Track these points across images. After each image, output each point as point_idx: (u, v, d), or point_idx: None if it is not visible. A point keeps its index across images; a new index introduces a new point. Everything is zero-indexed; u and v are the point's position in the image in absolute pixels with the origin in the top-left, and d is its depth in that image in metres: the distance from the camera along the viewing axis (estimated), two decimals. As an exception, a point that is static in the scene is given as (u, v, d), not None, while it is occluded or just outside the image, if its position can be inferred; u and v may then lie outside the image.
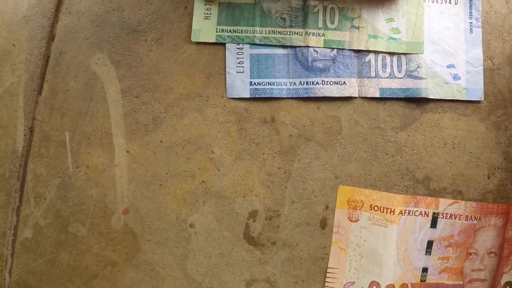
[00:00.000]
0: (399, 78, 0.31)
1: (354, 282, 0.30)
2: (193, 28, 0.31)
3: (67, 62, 0.33)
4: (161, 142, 0.32)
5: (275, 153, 0.31)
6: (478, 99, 0.31)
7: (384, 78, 0.31)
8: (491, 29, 0.32)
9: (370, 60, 0.31)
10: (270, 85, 0.31)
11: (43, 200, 0.33)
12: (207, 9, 0.31)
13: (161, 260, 0.32)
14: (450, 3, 0.32)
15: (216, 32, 0.31)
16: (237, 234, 0.31)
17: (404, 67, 0.31)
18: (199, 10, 0.31)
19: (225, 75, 0.31)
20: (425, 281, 0.31)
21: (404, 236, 0.30)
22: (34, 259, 0.33)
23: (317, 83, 0.31)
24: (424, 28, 0.30)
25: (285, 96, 0.31)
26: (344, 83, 0.31)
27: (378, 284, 0.30)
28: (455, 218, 0.31)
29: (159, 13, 0.32)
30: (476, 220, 0.31)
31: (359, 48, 0.31)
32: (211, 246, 0.32)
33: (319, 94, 0.31)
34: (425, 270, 0.31)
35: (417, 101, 0.31)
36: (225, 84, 0.31)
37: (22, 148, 0.33)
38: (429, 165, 0.31)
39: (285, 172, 0.31)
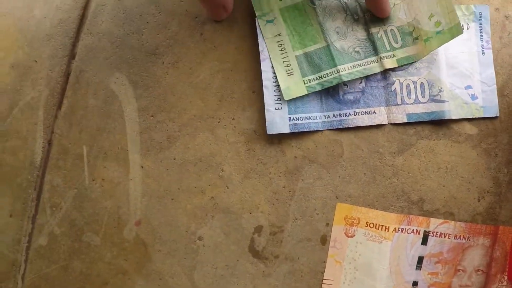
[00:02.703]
0: (423, 103, 0.36)
1: (350, 295, 0.37)
2: (282, 88, 0.35)
3: (87, 80, 0.38)
4: (174, 159, 0.38)
5: (280, 173, 0.37)
6: (495, 115, 0.37)
7: (410, 104, 0.36)
8: (484, 62, 0.38)
9: (395, 88, 0.36)
10: (308, 119, 0.36)
11: (59, 209, 0.39)
12: (287, 66, 0.35)
13: (170, 270, 0.38)
14: (463, 28, 0.38)
15: (305, 84, 0.35)
16: (243, 247, 0.37)
17: (427, 92, 0.36)
18: (280, 68, 0.35)
19: (264, 112, 0.36)
20: (415, 295, 0.37)
21: (396, 252, 0.36)
22: (47, 265, 0.39)
23: (349, 114, 0.36)
24: (454, 7, 0.34)
25: (321, 129, 0.36)
26: (374, 112, 0.36)
27: (372, 297, 0.36)
28: (444, 237, 0.37)
29: (176, 38, 0.38)
30: (465, 239, 0.37)
31: (424, 58, 0.36)
32: (218, 258, 0.37)
33: (352, 124, 0.36)
34: (415, 283, 0.37)
35: (413, 128, 0.37)
36: (265, 121, 0.35)
37: (40, 160, 0.39)
38: (424, 187, 0.37)
39: (289, 191, 0.37)
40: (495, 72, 0.38)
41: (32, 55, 0.39)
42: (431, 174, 0.37)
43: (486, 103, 0.37)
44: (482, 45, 0.37)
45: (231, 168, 0.37)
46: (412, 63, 0.36)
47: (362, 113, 0.36)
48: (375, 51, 0.36)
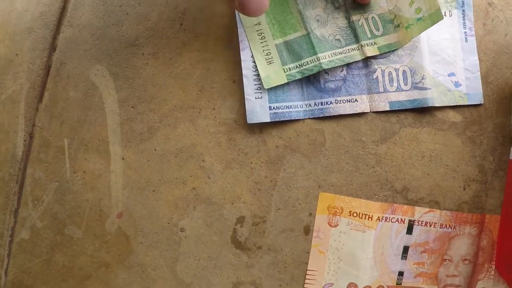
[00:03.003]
0: (406, 90, 0.36)
1: (332, 284, 0.36)
2: (262, 76, 0.35)
3: (67, 72, 0.38)
4: (155, 150, 0.38)
5: (262, 162, 0.37)
6: (479, 102, 0.37)
7: (392, 92, 0.36)
8: (468, 49, 0.38)
9: (377, 76, 0.36)
10: (288, 108, 0.36)
11: (41, 203, 0.38)
12: (267, 54, 0.35)
13: (153, 262, 0.38)
14: (445, 15, 0.37)
15: (285, 72, 0.35)
16: (225, 238, 0.37)
17: (409, 80, 0.36)
18: (259, 57, 0.35)
19: (244, 101, 0.35)
20: (401, 284, 0.36)
21: (381, 241, 0.36)
22: (30, 259, 0.39)
23: (331, 102, 0.36)
24: None
25: (303, 117, 0.36)
26: (356, 100, 0.36)
27: (355, 286, 0.36)
28: (430, 226, 0.37)
29: (156, 29, 0.38)
30: (451, 228, 0.37)
31: (405, 45, 0.36)
32: (200, 250, 0.37)
33: (334, 112, 0.36)
34: (401, 273, 0.36)
35: (396, 116, 0.37)
36: (245, 110, 0.35)
37: (21, 153, 0.39)
38: (408, 176, 0.37)
39: (271, 181, 0.37)
40: (479, 59, 0.37)
41: (13, 48, 0.39)
42: (415, 162, 0.37)
43: (470, 90, 0.37)
44: (465, 32, 0.37)
45: (212, 159, 0.37)
46: (393, 50, 0.36)
47: (344, 101, 0.36)
48: (356, 39, 0.36)
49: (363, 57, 0.36)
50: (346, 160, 0.37)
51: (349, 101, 0.36)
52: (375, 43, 0.36)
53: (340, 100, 0.36)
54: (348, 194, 0.36)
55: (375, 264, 0.36)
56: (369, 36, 0.36)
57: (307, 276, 0.36)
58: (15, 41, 0.39)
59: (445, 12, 0.37)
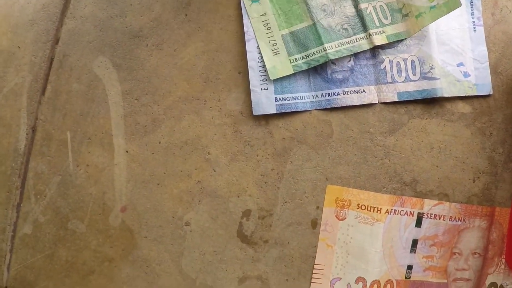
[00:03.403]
0: (414, 81, 0.36)
1: (340, 278, 0.35)
2: (268, 67, 0.35)
3: (70, 64, 0.38)
4: (159, 142, 0.37)
5: (268, 155, 0.36)
6: (488, 93, 0.36)
7: (401, 82, 0.36)
8: (477, 39, 0.37)
9: (385, 66, 0.36)
10: (295, 99, 0.35)
11: (43, 197, 0.38)
12: (273, 45, 0.35)
13: (157, 256, 0.37)
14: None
15: (291, 63, 0.35)
16: (231, 232, 0.37)
17: (418, 70, 0.36)
18: (265, 48, 0.35)
19: (250, 93, 0.35)
20: (409, 278, 0.36)
21: (389, 234, 0.35)
22: (32, 254, 0.38)
23: (338, 93, 0.36)
24: None
25: (309, 109, 0.36)
26: (364, 91, 0.36)
27: (364, 280, 0.35)
28: (439, 219, 0.36)
29: (160, 20, 0.38)
30: (460, 221, 0.36)
31: (415, 34, 0.35)
32: (205, 244, 0.37)
33: (341, 104, 0.35)
34: (409, 267, 0.36)
35: (405, 107, 0.37)
36: (250, 102, 0.35)
37: (24, 147, 0.38)
38: (416, 168, 0.36)
39: (278, 173, 0.36)
40: (488, 49, 0.37)
41: (15, 41, 0.39)
42: (424, 154, 0.36)
43: (479, 80, 0.36)
44: (474, 22, 0.37)
45: (217, 151, 0.36)
46: (402, 40, 0.36)
47: (351, 92, 0.36)
48: (364, 28, 0.35)
49: (371, 46, 0.35)
50: (354, 152, 0.36)
51: (357, 92, 0.36)
52: (383, 31, 0.35)
53: (348, 91, 0.35)
54: (356, 187, 0.36)
55: (384, 257, 0.35)
56: (378, 24, 0.35)
57: (314, 271, 0.36)
58: (17, 34, 0.39)
59: None
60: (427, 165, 0.36)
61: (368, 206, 0.35)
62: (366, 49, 0.35)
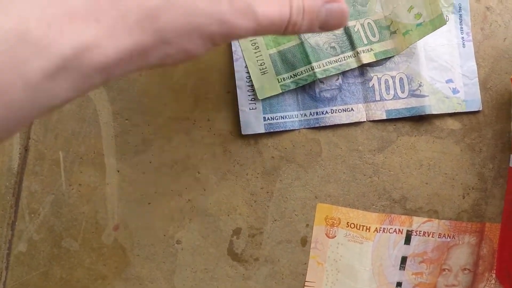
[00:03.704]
0: (403, 98, 0.36)
1: (330, 296, 0.36)
2: (256, 87, 0.35)
3: (61, 84, 0.38)
4: (150, 162, 0.37)
5: (258, 173, 0.37)
6: (477, 109, 0.37)
7: (389, 100, 0.36)
8: (466, 55, 0.37)
9: (373, 84, 0.36)
10: (283, 118, 0.35)
11: (37, 215, 0.39)
12: (261, 64, 0.35)
13: (149, 274, 0.38)
14: (447, 19, 0.37)
15: (279, 82, 0.35)
16: (222, 250, 0.37)
17: (406, 87, 0.36)
18: (253, 67, 0.35)
19: (238, 113, 0.35)
20: (399, 296, 0.36)
21: (379, 252, 0.36)
22: (28, 272, 0.39)
23: (327, 112, 0.36)
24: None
25: (298, 128, 0.36)
26: (352, 109, 0.36)
27: (352, 299, 0.36)
28: (428, 236, 0.36)
29: (149, 40, 0.38)
30: (450, 237, 0.36)
31: (402, 52, 0.35)
32: (196, 262, 0.37)
33: (330, 122, 0.36)
34: (399, 284, 0.36)
35: (394, 124, 0.37)
36: (239, 121, 0.35)
37: (17, 166, 0.39)
38: (406, 185, 0.37)
39: (267, 192, 0.37)
40: (477, 64, 0.37)
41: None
42: (413, 171, 0.37)
43: (468, 96, 0.36)
44: (463, 37, 0.37)
45: (207, 170, 0.37)
46: (390, 57, 0.36)
47: (340, 110, 0.36)
48: (352, 46, 0.35)
49: (359, 64, 0.35)
50: (343, 170, 0.36)
51: (345, 110, 0.36)
52: (371, 49, 0.35)
53: (336, 110, 0.36)
54: (345, 205, 0.36)
55: (373, 275, 0.36)
56: (366, 42, 0.35)
57: None
58: (8, 54, 0.39)
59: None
60: (416, 182, 0.37)
61: (357, 224, 0.36)
62: (354, 67, 0.35)
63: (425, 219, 0.36)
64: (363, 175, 0.36)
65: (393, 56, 0.36)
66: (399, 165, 0.36)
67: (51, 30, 0.17)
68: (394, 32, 0.35)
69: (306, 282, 0.36)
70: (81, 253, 0.38)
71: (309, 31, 0.26)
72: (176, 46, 0.21)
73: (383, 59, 0.36)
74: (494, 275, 0.37)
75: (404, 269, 0.36)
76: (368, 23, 0.35)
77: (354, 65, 0.35)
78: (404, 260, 0.36)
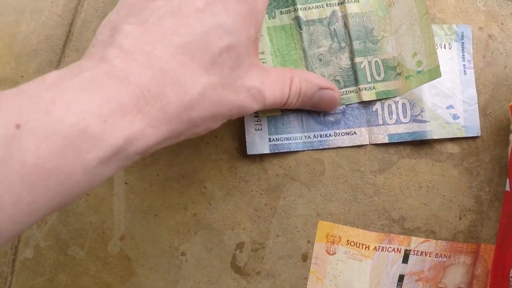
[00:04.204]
0: (405, 123, 0.37)
1: (329, 312, 0.37)
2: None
3: (72, 96, 0.39)
4: (157, 175, 0.38)
5: (262, 190, 0.38)
6: (476, 135, 0.38)
7: (391, 124, 0.37)
8: (467, 81, 0.39)
9: (377, 109, 0.37)
10: (288, 140, 0.37)
11: (45, 223, 0.39)
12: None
13: (153, 285, 0.39)
14: (445, 48, 0.38)
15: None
16: (225, 263, 0.38)
17: (409, 113, 0.37)
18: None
19: (245, 133, 0.36)
20: (395, 313, 0.38)
21: (377, 270, 0.37)
22: (33, 278, 0.40)
23: (330, 135, 0.37)
24: (436, 50, 0.33)
25: (302, 149, 0.37)
26: (355, 133, 0.37)
27: (350, 315, 0.37)
28: (425, 255, 0.38)
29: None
30: (446, 257, 0.38)
31: (403, 94, 0.36)
32: (200, 274, 0.38)
33: (333, 145, 0.37)
34: (395, 302, 0.38)
35: (395, 147, 0.38)
36: (245, 140, 0.36)
37: (26, 174, 0.40)
38: (405, 206, 0.38)
39: (271, 208, 0.38)
40: (478, 91, 0.38)
41: (18, 70, 0.40)
42: (412, 192, 0.38)
43: (468, 122, 0.38)
44: (464, 65, 0.38)
45: (213, 185, 0.38)
46: (391, 97, 0.37)
47: (343, 133, 0.37)
48: (356, 81, 0.36)
49: (359, 100, 0.36)
50: (345, 189, 0.38)
51: (348, 134, 0.37)
52: (374, 87, 0.36)
53: (339, 133, 0.37)
54: (346, 223, 0.37)
55: (371, 292, 0.37)
56: (369, 80, 0.36)
57: (304, 302, 0.37)
58: (21, 63, 0.40)
59: (444, 45, 0.38)
60: (415, 203, 0.38)
61: (357, 242, 0.37)
62: (354, 102, 0.37)
63: (423, 239, 0.37)
64: (364, 195, 0.38)
65: (394, 96, 0.37)
66: (399, 186, 0.38)
67: (107, 125, 0.20)
68: (399, 74, 0.36)
69: (305, 297, 0.37)
70: (87, 261, 0.39)
71: (302, 108, 0.35)
72: (203, 127, 0.26)
73: (383, 98, 0.37)
74: (487, 295, 0.38)
75: (401, 287, 0.37)
76: (376, 61, 0.36)
77: (354, 100, 0.37)
78: (401, 278, 0.37)
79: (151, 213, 0.38)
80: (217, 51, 0.24)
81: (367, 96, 0.36)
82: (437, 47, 0.37)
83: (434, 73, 0.33)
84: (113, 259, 0.39)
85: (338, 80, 0.36)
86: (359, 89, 0.36)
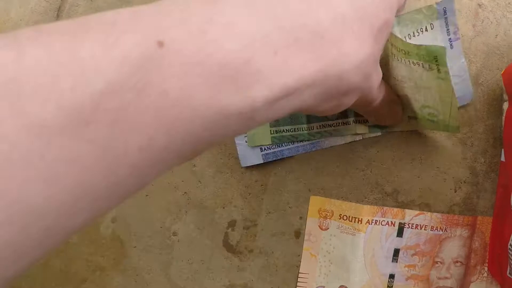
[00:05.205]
0: None
1: (324, 286, 0.37)
2: (248, 134, 0.36)
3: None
4: (147, 155, 0.39)
5: (252, 166, 0.38)
6: (469, 101, 0.37)
7: None
8: (457, 51, 0.38)
9: None
10: (280, 146, 0.37)
11: (37, 208, 0.40)
12: None
13: (146, 266, 0.39)
14: (426, 30, 0.37)
15: (271, 134, 0.36)
16: (217, 242, 0.38)
17: None
18: None
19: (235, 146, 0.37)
20: (392, 287, 0.37)
21: (371, 244, 0.37)
22: (27, 264, 0.40)
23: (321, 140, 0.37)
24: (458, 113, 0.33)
25: (295, 154, 0.37)
26: (347, 123, 0.36)
27: (345, 289, 0.37)
28: (421, 228, 0.37)
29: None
30: (442, 230, 0.37)
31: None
32: (192, 253, 0.38)
33: (326, 145, 0.37)
34: (392, 276, 0.37)
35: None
36: (237, 155, 0.37)
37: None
38: (398, 179, 0.38)
39: (261, 185, 0.38)
40: (469, 60, 0.38)
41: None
42: (405, 165, 0.37)
43: (459, 93, 0.37)
44: (450, 38, 0.37)
45: (203, 163, 0.38)
46: (384, 132, 0.36)
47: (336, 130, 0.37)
48: (350, 113, 0.36)
49: (352, 133, 0.36)
50: (336, 163, 0.37)
51: (343, 124, 0.36)
52: (367, 121, 0.36)
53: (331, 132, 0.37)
54: (338, 197, 0.37)
55: (365, 267, 0.36)
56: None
57: (299, 279, 0.37)
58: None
59: (426, 27, 0.37)
60: (409, 175, 0.37)
61: (349, 216, 0.37)
62: (346, 134, 0.36)
63: (417, 212, 0.37)
64: (355, 168, 0.37)
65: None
66: (392, 159, 0.37)
67: (277, 58, 0.17)
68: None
69: (299, 274, 0.37)
70: (80, 245, 0.39)
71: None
72: (347, 99, 0.23)
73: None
74: (486, 268, 0.37)
75: (396, 262, 0.37)
76: None
77: (347, 132, 0.36)
78: (396, 252, 0.37)
79: (142, 194, 0.38)
80: (381, 23, 0.22)
81: (360, 129, 0.36)
82: (417, 33, 0.36)
83: (451, 129, 0.32)
84: (105, 241, 0.39)
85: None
86: (353, 121, 0.36)
